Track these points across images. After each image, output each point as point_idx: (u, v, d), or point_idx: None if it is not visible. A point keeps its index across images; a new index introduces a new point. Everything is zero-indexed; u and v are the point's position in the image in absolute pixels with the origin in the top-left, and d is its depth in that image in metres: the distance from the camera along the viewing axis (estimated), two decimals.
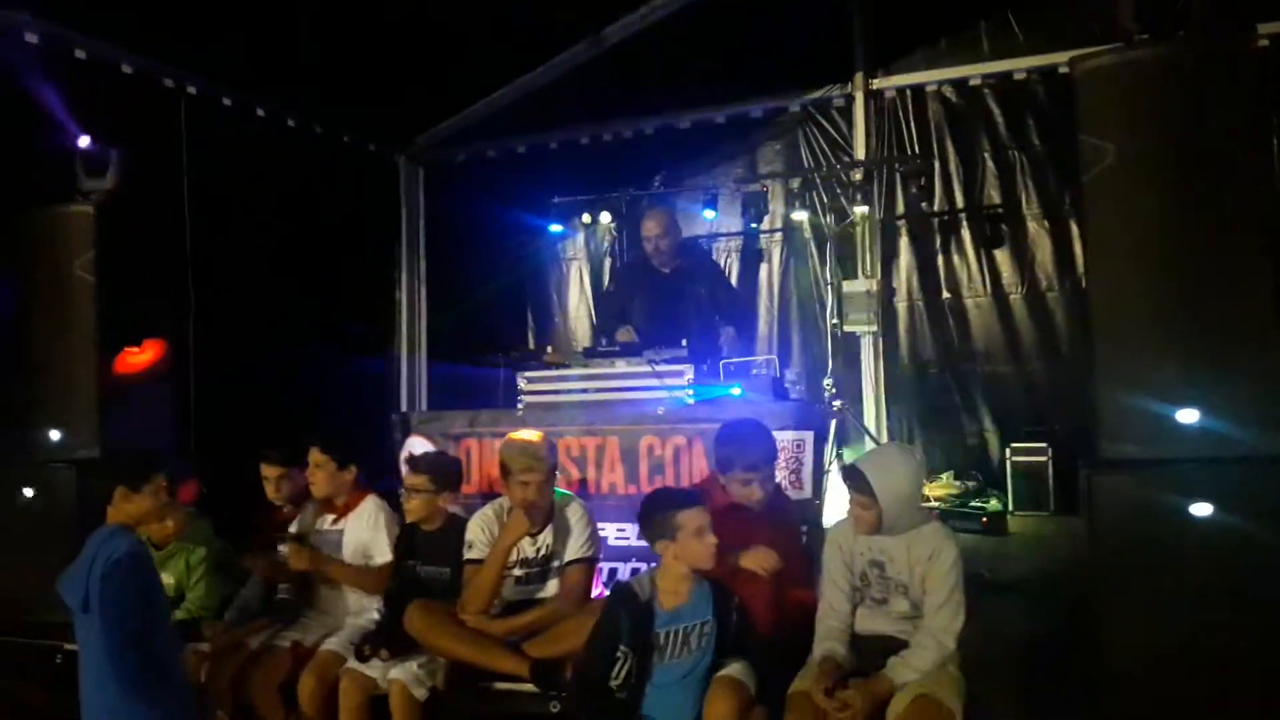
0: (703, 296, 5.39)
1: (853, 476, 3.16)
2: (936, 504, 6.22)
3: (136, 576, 3.07)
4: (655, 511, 3.17)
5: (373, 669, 3.57)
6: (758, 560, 3.34)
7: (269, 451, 4.26)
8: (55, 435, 4.68)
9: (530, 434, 3.85)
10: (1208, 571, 3.05)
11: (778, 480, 4.00)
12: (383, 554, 4.00)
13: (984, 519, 5.94)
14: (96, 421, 4.65)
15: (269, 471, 4.25)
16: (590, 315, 8.09)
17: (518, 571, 3.73)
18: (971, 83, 6.83)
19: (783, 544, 3.47)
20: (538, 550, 3.75)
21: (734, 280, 7.39)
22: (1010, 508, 6.39)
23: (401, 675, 3.52)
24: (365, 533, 4.05)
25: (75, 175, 4.79)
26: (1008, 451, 6.56)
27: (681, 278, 5.41)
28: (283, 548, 4.11)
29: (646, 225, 5.45)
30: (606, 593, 3.67)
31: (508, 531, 3.64)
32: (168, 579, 4.03)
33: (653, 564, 3.27)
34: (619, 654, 3.05)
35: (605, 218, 7.37)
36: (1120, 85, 3.22)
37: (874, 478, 3.08)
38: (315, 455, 4.09)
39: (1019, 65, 6.63)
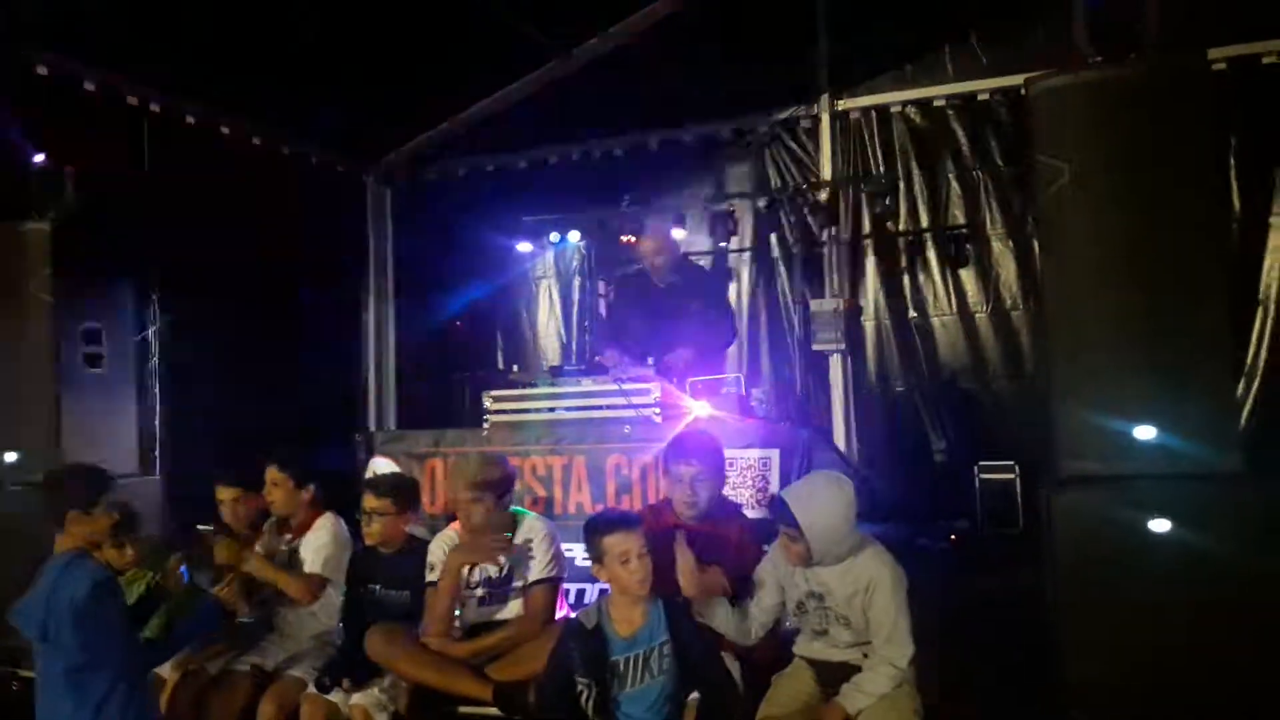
0: (698, 312, 5.39)
1: (777, 507, 3.10)
2: None
3: (103, 609, 3.04)
4: (588, 535, 3.14)
5: (334, 694, 3.53)
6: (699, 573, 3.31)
7: (223, 472, 4.20)
8: (11, 458, 4.59)
9: (479, 456, 3.86)
10: (1167, 586, 3.07)
11: (739, 501, 4.01)
12: (313, 566, 3.93)
13: (952, 535, 5.96)
14: (54, 444, 4.57)
15: (224, 494, 4.18)
16: (560, 334, 8.08)
17: (480, 592, 3.70)
18: (935, 103, 6.89)
19: (734, 560, 3.45)
20: (500, 570, 3.72)
21: None
22: (979, 525, 6.41)
23: (364, 700, 3.49)
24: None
25: (31, 192, 4.72)
26: (976, 469, 6.58)
27: (679, 293, 5.42)
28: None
29: (644, 245, 5.48)
30: (571, 614, 3.64)
31: (453, 555, 3.62)
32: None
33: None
34: (580, 686, 3.00)
35: (574, 236, 7.40)
36: (1074, 106, 3.27)
37: (798, 509, 3.01)
38: (273, 473, 4.05)
39: (982, 86, 6.69)
